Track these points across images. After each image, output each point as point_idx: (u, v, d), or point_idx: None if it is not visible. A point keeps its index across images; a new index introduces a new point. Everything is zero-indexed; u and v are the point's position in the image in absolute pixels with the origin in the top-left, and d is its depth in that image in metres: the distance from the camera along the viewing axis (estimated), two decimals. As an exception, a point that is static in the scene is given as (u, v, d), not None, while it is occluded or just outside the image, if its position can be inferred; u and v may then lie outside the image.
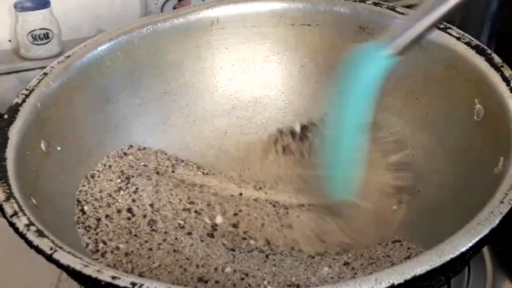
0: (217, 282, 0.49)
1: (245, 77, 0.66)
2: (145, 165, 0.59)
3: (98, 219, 0.53)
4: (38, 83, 0.53)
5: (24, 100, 0.51)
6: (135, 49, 0.60)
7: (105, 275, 0.37)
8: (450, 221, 0.50)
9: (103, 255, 0.50)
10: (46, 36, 0.79)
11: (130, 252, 0.51)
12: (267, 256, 0.52)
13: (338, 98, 0.51)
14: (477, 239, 0.38)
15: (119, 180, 0.57)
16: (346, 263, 0.50)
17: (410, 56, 0.58)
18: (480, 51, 0.53)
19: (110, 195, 0.55)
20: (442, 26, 0.56)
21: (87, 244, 0.50)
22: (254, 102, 0.65)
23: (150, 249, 0.51)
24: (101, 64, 0.58)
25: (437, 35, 0.56)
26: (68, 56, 0.57)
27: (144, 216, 0.54)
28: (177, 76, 0.63)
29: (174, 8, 0.83)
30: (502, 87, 0.49)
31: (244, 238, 0.54)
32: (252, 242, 0.53)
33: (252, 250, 0.53)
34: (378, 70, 0.48)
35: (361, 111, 0.50)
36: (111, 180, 0.57)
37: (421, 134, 0.57)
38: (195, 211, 0.56)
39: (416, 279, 0.36)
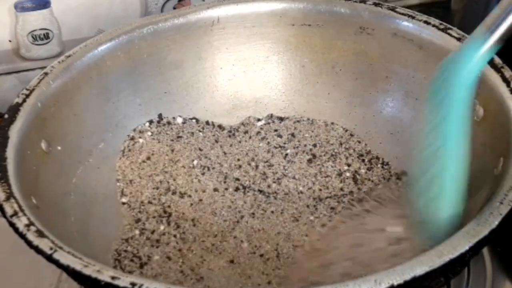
0: None
1: (245, 77, 0.66)
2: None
3: None
4: (39, 82, 0.53)
5: (24, 100, 0.51)
6: (136, 49, 0.60)
7: (105, 275, 0.37)
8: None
9: None
10: (46, 36, 0.79)
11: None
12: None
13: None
14: (476, 240, 0.38)
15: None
16: None
17: (410, 56, 0.58)
18: (480, 51, 0.53)
19: None
20: (442, 26, 0.56)
21: None
22: (254, 102, 0.65)
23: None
24: (102, 64, 0.58)
25: (437, 36, 0.56)
26: (69, 56, 0.57)
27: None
28: (177, 76, 0.63)
29: (174, 8, 0.83)
30: (502, 88, 0.49)
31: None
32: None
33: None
34: (473, 71, 0.43)
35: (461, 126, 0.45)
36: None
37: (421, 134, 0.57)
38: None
39: (415, 280, 0.36)
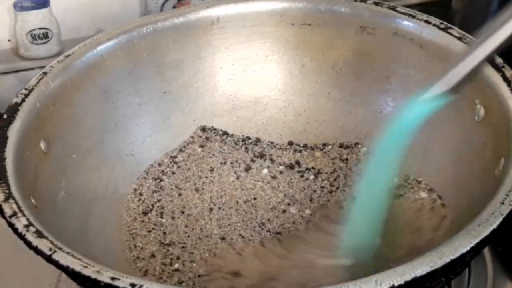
0: None
1: (245, 76, 0.65)
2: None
3: None
4: (38, 82, 0.53)
5: (23, 100, 0.51)
6: (135, 48, 0.60)
7: (104, 276, 0.37)
8: (450, 222, 0.50)
9: None
10: (46, 36, 0.79)
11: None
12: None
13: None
14: (477, 240, 0.37)
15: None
16: None
17: (411, 55, 0.58)
18: (481, 51, 0.52)
19: None
20: (443, 26, 0.56)
21: None
22: (254, 102, 0.65)
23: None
24: (101, 63, 0.58)
25: (438, 35, 0.56)
26: (68, 56, 0.57)
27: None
28: (177, 76, 0.63)
29: (174, 7, 0.83)
30: (503, 87, 0.49)
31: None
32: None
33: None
34: (421, 113, 0.47)
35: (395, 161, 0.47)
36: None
37: (422, 134, 0.57)
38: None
39: (416, 280, 0.35)
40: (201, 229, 0.55)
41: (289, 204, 0.57)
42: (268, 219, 0.56)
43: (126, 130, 0.60)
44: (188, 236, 0.55)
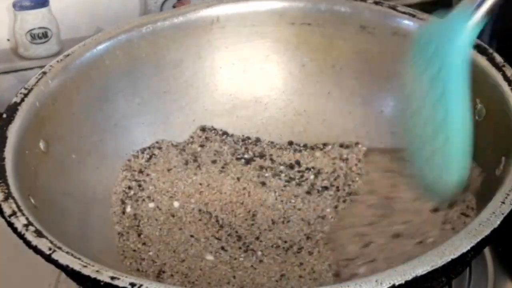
0: None
1: (245, 76, 0.65)
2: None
3: None
4: (37, 82, 0.53)
5: (22, 100, 0.51)
6: (135, 48, 0.60)
7: (104, 276, 0.36)
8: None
9: None
10: (45, 35, 0.79)
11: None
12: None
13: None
14: (478, 239, 0.37)
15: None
16: None
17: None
18: (481, 50, 0.52)
19: None
20: (443, 25, 0.56)
21: None
22: (254, 101, 0.65)
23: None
24: (100, 63, 0.58)
25: (438, 35, 0.56)
26: (67, 55, 0.57)
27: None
28: (176, 75, 0.63)
29: (174, 7, 0.82)
30: (504, 86, 0.49)
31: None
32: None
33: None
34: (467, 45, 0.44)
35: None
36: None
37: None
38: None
39: (417, 280, 0.35)
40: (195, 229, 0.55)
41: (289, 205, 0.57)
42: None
43: (126, 130, 0.60)
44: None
